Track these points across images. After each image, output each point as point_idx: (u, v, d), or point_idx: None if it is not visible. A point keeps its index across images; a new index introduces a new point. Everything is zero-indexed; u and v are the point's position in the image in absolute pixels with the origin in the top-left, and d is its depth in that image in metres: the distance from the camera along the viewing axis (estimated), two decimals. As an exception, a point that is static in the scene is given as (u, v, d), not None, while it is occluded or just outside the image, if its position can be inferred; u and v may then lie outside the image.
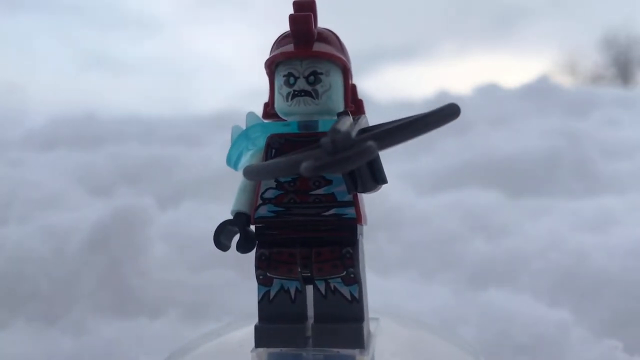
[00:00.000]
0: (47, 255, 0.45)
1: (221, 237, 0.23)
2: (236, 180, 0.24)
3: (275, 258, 0.23)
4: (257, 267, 0.23)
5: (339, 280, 0.23)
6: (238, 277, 0.45)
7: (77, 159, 0.82)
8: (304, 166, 0.17)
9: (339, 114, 0.23)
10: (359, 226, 0.23)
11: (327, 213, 0.23)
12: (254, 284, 0.23)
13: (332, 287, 0.23)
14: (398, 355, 0.24)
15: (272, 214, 0.23)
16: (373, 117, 0.25)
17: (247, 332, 0.24)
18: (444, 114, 0.20)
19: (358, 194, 0.23)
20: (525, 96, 1.16)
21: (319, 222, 0.23)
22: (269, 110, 0.24)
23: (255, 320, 0.23)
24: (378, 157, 0.20)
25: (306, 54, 0.23)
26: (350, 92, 0.24)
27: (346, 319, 0.23)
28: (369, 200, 0.25)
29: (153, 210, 0.52)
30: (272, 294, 0.23)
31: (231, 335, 0.27)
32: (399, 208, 0.59)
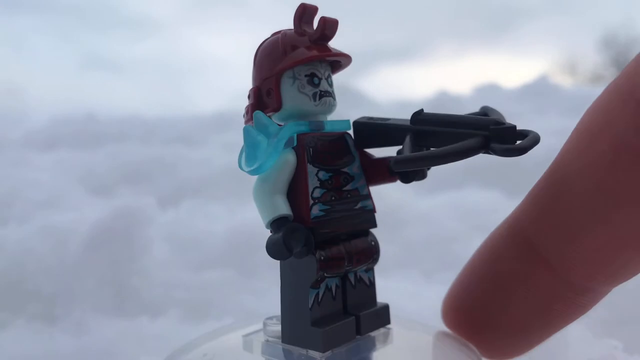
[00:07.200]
0: (48, 255, 0.45)
1: (292, 243, 0.21)
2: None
3: (329, 256, 0.23)
4: (319, 269, 0.22)
5: (364, 268, 0.24)
6: (238, 277, 0.45)
7: (78, 159, 0.82)
8: (500, 149, 0.20)
9: (484, 107, 0.24)
10: None
11: (356, 207, 0.24)
12: (253, 284, 0.23)
13: (358, 276, 0.24)
14: (397, 355, 0.24)
15: (322, 213, 0.23)
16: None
17: (246, 331, 0.24)
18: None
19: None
20: (525, 96, 1.17)
21: (352, 216, 0.24)
22: (268, 112, 0.24)
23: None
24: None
25: (335, 55, 0.23)
26: None
27: (371, 302, 0.24)
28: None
29: (153, 210, 0.52)
30: (320, 295, 0.23)
31: (231, 335, 0.27)
32: (399, 208, 0.59)
